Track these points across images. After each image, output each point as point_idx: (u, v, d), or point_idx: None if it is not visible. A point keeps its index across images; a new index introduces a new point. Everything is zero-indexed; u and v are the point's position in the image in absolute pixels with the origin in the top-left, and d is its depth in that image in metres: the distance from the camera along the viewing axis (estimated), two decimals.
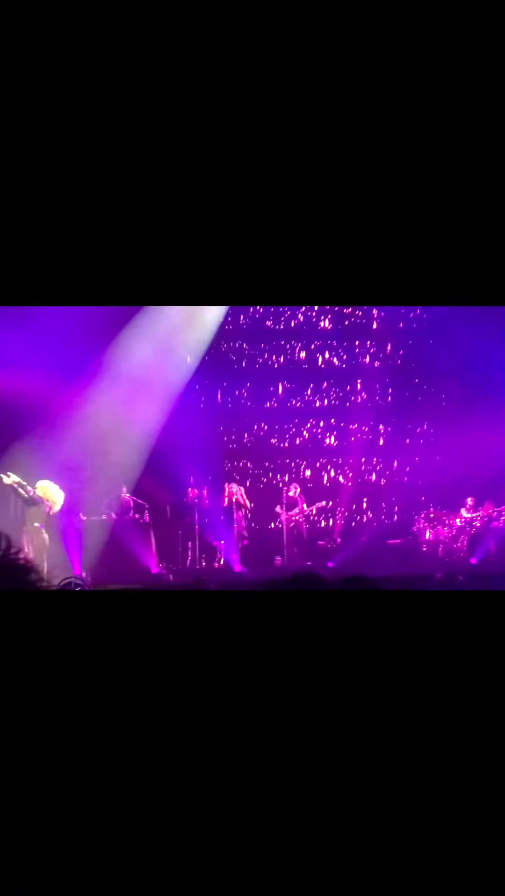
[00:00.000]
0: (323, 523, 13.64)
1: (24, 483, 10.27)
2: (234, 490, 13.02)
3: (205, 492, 13.18)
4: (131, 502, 12.45)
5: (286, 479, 13.90)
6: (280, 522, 13.13)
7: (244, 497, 13.00)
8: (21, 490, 10.27)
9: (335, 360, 14.41)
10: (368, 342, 14.38)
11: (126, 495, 12.44)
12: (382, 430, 14.34)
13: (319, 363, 14.40)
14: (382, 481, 14.26)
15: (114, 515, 12.27)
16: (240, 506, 12.91)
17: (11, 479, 10.23)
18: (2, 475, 10.25)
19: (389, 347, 14.36)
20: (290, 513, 13.08)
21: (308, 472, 14.22)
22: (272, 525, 13.47)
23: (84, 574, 9.83)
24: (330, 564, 12.19)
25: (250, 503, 13.08)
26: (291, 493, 13.22)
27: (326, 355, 14.40)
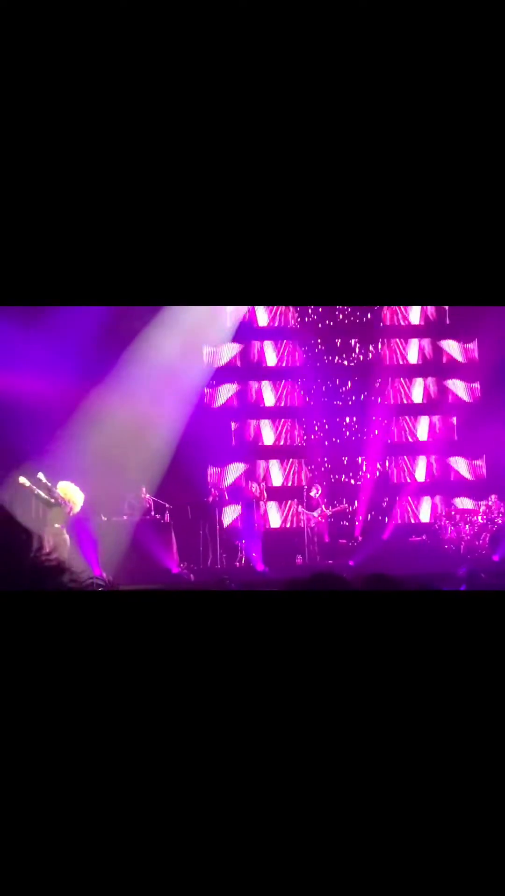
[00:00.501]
0: (344, 522, 13.60)
1: (48, 484, 10.32)
2: (255, 490, 13.03)
3: (226, 492, 13.19)
4: (152, 502, 12.47)
5: (309, 477, 13.87)
6: (302, 521, 13.12)
7: (261, 497, 13.00)
8: (40, 491, 10.31)
9: (359, 357, 14.37)
10: (389, 340, 14.34)
11: (146, 495, 12.46)
12: (404, 428, 14.29)
13: (340, 361, 14.37)
14: (405, 479, 14.21)
15: (135, 516, 12.30)
16: (259, 505, 12.91)
17: (32, 480, 10.28)
18: (20, 478, 10.31)
19: (407, 345, 14.32)
20: (311, 512, 13.06)
21: (330, 471, 14.19)
22: (294, 524, 13.46)
23: (104, 574, 9.85)
24: (351, 563, 12.16)
25: (266, 504, 13.08)
26: (312, 493, 13.20)
27: (349, 353, 14.37)
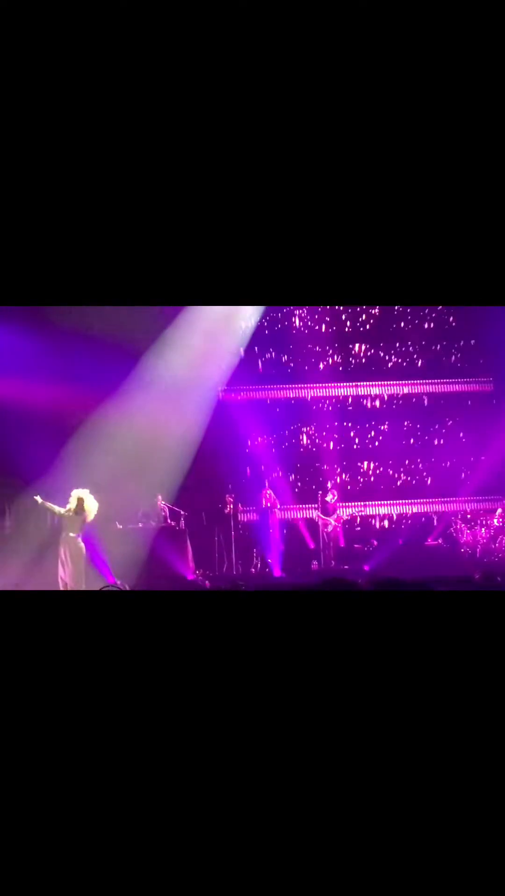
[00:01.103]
0: (360, 527, 13.57)
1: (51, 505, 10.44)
2: (270, 495, 13.02)
3: (239, 499, 13.19)
4: (167, 510, 12.47)
5: (325, 482, 13.84)
6: (317, 527, 13.09)
7: (276, 503, 12.99)
8: (54, 506, 10.39)
9: (374, 360, 14.34)
10: (407, 342, 14.30)
11: (161, 503, 12.47)
12: (419, 432, 14.24)
13: (356, 364, 14.34)
14: (420, 483, 14.16)
15: (150, 523, 12.31)
16: (274, 511, 12.90)
17: (41, 500, 10.38)
18: (35, 497, 10.39)
19: (424, 347, 14.29)
20: (326, 517, 13.04)
21: (345, 476, 14.15)
22: (309, 530, 13.43)
23: (118, 582, 9.86)
24: (366, 568, 12.13)
25: (282, 509, 13.07)
26: (328, 499, 13.17)
27: (364, 356, 14.34)
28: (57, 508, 10.40)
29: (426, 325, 14.16)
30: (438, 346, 14.27)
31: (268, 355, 14.28)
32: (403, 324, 14.28)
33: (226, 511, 12.98)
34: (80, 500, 10.36)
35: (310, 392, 14.26)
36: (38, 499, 10.40)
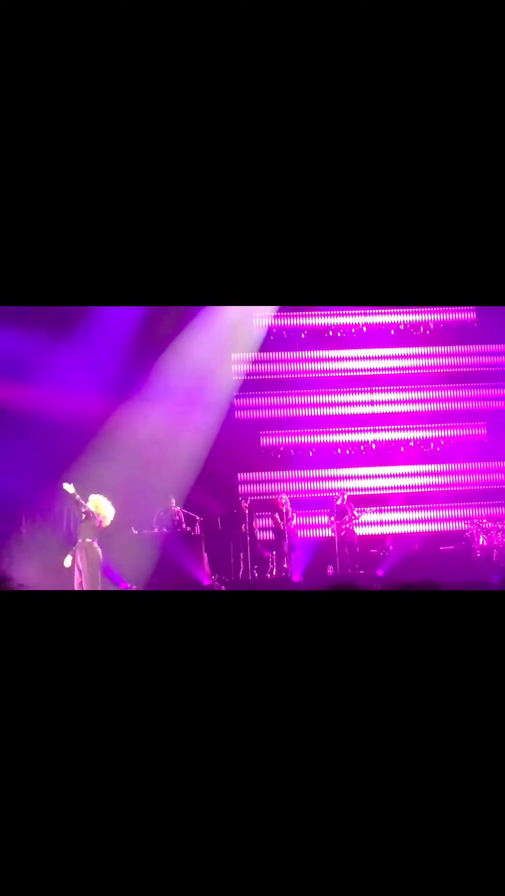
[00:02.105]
0: (374, 531, 13.55)
1: (78, 497, 10.41)
2: (284, 500, 13.02)
3: (254, 503, 13.20)
4: (182, 515, 12.50)
5: (338, 487, 13.83)
6: (332, 531, 13.07)
7: (290, 508, 12.99)
8: (79, 502, 10.40)
9: (388, 364, 14.34)
10: (420, 346, 14.29)
11: (176, 508, 12.50)
12: (433, 436, 14.22)
13: (370, 369, 14.34)
14: (434, 487, 14.13)
15: (165, 528, 12.34)
16: (288, 516, 12.90)
17: (72, 489, 10.37)
18: (65, 485, 10.39)
19: (438, 350, 14.27)
20: (340, 521, 13.03)
21: (360, 479, 14.14)
22: (324, 534, 13.42)
23: (132, 587, 9.89)
24: (379, 573, 12.11)
25: (295, 514, 13.06)
26: (339, 502, 13.16)
27: (378, 360, 14.34)
28: (82, 506, 10.39)
29: (443, 328, 14.14)
30: (456, 349, 14.25)
31: (280, 359, 14.29)
32: (422, 329, 14.25)
33: (240, 516, 12.99)
34: (96, 506, 10.39)
35: (321, 396, 14.25)
36: (70, 487, 10.37)
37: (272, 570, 12.88)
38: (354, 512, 13.08)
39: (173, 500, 12.55)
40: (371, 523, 13.55)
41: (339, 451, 14.28)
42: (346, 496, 13.27)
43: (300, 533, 13.31)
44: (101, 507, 10.38)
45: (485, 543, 12.66)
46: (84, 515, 10.37)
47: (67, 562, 10.46)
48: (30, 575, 11.23)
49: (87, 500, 10.35)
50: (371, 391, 14.29)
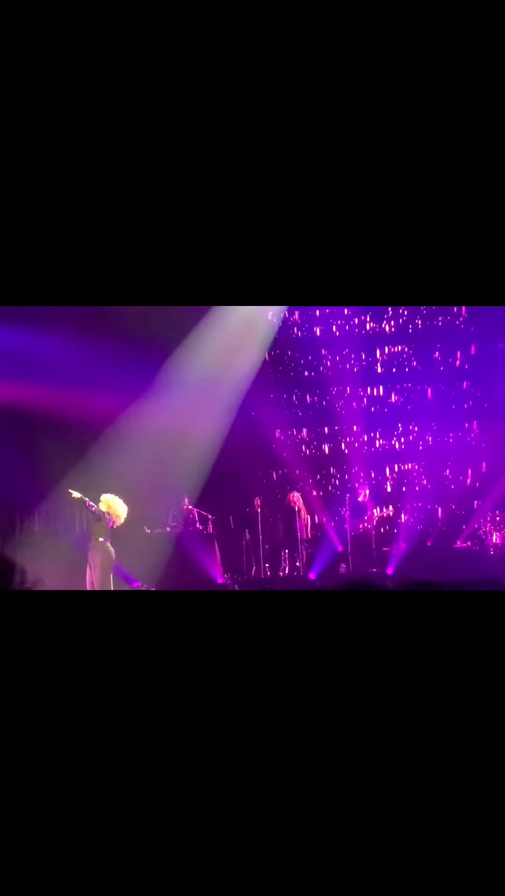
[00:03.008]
0: (388, 529, 13.52)
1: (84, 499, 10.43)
2: (297, 498, 13.01)
3: (267, 501, 13.19)
4: (195, 513, 12.51)
5: (354, 484, 13.81)
6: (345, 529, 13.05)
7: (304, 506, 12.97)
8: (85, 506, 10.41)
9: (402, 362, 14.28)
10: (437, 344, 14.22)
11: (189, 506, 12.51)
12: (449, 432, 14.16)
13: (383, 367, 14.30)
14: (450, 485, 14.07)
15: (178, 527, 12.35)
16: (301, 514, 12.89)
17: (76, 495, 10.38)
18: (70, 490, 10.41)
19: (454, 349, 14.20)
20: (357, 519, 13.01)
21: (374, 477, 14.11)
22: (337, 532, 13.39)
23: (142, 585, 9.90)
24: (389, 571, 12.10)
25: (309, 513, 13.05)
26: (359, 499, 13.13)
27: (392, 358, 14.30)
28: (92, 508, 10.40)
29: (462, 326, 14.07)
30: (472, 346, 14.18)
31: (294, 356, 14.27)
32: (440, 321, 14.17)
33: (253, 514, 12.99)
34: (108, 505, 10.40)
35: (338, 392, 14.21)
36: (74, 493, 10.40)
37: (285, 568, 12.88)
38: (375, 511, 13.05)
39: (186, 500, 12.56)
40: (385, 521, 13.51)
41: (356, 447, 14.24)
42: (366, 493, 13.24)
43: (313, 531, 13.29)
44: (114, 506, 10.39)
45: (498, 541, 12.61)
46: (95, 516, 10.39)
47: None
48: (42, 573, 11.26)
49: (97, 501, 10.36)
50: (387, 387, 14.24)
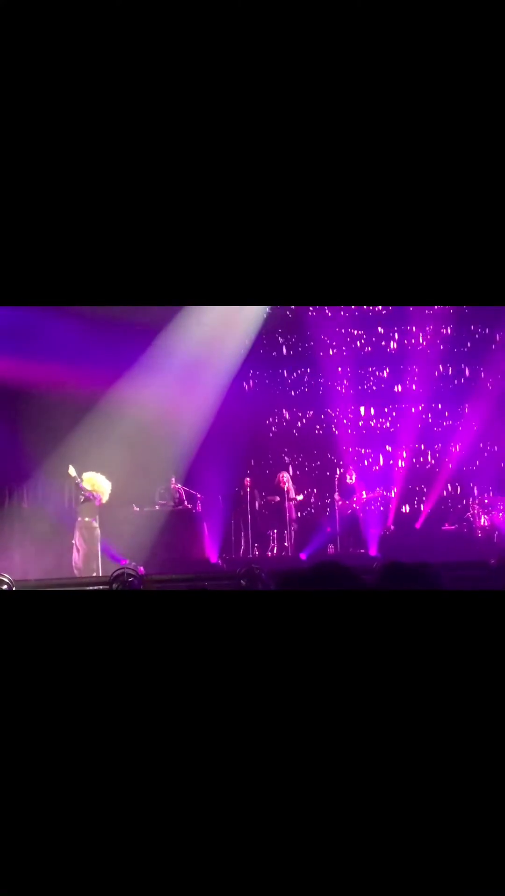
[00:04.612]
0: (376, 510, 13.52)
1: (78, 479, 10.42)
2: (286, 478, 13.00)
3: (256, 480, 13.18)
4: (182, 492, 12.49)
5: (342, 464, 13.80)
6: (334, 510, 13.05)
7: (292, 487, 12.97)
8: (79, 485, 10.42)
9: (391, 343, 14.25)
10: (424, 326, 14.19)
11: (176, 485, 12.48)
12: (436, 415, 14.15)
13: (371, 348, 14.26)
14: (437, 467, 14.07)
15: (166, 506, 12.33)
16: (290, 494, 12.88)
17: (73, 472, 10.39)
18: (70, 467, 10.40)
19: (441, 330, 14.16)
20: (346, 500, 13.00)
21: (362, 459, 14.10)
22: (326, 513, 13.40)
23: (130, 562, 9.89)
24: (373, 552, 12.11)
25: (298, 493, 13.04)
26: (348, 480, 13.13)
27: (380, 339, 14.26)
28: (80, 488, 10.38)
29: (451, 311, 14.03)
30: (459, 329, 14.15)
31: (284, 337, 14.22)
32: (428, 311, 14.13)
33: (242, 494, 12.98)
34: (91, 483, 10.40)
35: (327, 373, 14.18)
36: (72, 470, 10.39)
37: (273, 548, 12.88)
38: (364, 493, 13.06)
39: (174, 478, 12.53)
40: (377, 502, 13.51)
41: (342, 429, 14.23)
42: (354, 475, 13.24)
43: (302, 511, 13.29)
44: (97, 484, 10.39)
45: (486, 524, 12.63)
46: (83, 497, 10.39)
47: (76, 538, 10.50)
48: (28, 551, 11.26)
49: (80, 479, 10.36)
50: (378, 369, 14.21)
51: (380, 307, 13.92)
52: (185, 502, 12.46)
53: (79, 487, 10.42)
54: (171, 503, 12.39)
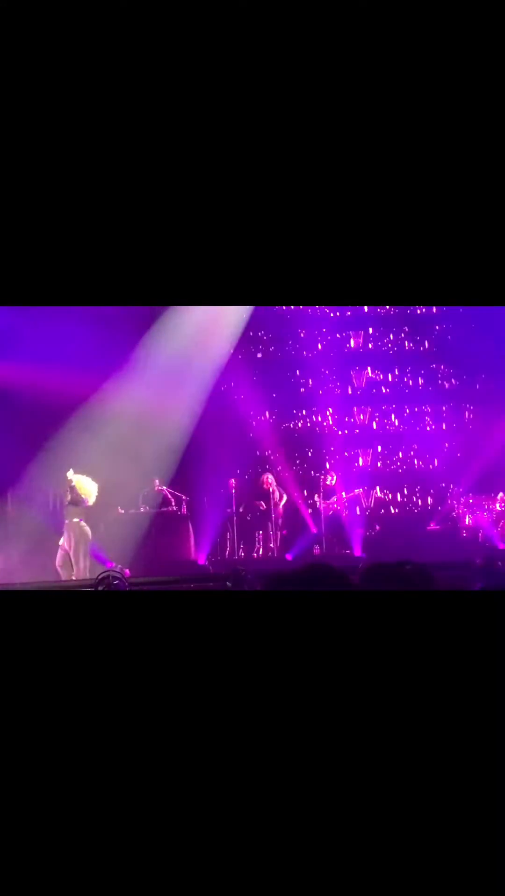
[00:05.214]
0: (361, 511, 13.54)
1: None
2: (270, 480, 13.00)
3: (241, 482, 13.18)
4: (167, 494, 12.47)
5: (325, 466, 13.82)
6: (319, 511, 13.06)
7: (277, 488, 12.97)
8: (69, 491, 10.42)
9: (370, 345, 14.27)
10: (404, 327, 14.23)
11: (160, 487, 12.45)
12: (421, 416, 14.18)
13: (353, 348, 14.27)
14: (421, 467, 14.10)
15: (150, 508, 12.31)
16: (275, 496, 12.89)
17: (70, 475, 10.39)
18: (70, 471, 10.39)
19: (423, 332, 14.20)
20: (328, 501, 13.02)
21: (346, 460, 14.12)
22: (311, 514, 13.41)
23: (117, 566, 9.89)
24: (358, 552, 12.13)
25: (284, 494, 13.05)
26: (328, 482, 13.15)
27: (362, 341, 14.27)
28: (76, 493, 10.37)
29: (434, 310, 14.07)
30: (444, 328, 14.18)
31: (269, 336, 14.22)
32: (409, 311, 14.16)
33: (227, 496, 12.97)
34: (75, 485, 10.38)
35: (313, 374, 14.19)
36: (71, 473, 10.38)
37: (259, 549, 12.89)
38: (343, 494, 13.08)
39: (157, 480, 12.50)
40: (359, 503, 13.52)
41: (326, 430, 14.24)
42: (335, 476, 13.26)
43: (287, 512, 13.29)
44: (83, 486, 10.37)
45: (471, 523, 12.67)
46: (69, 497, 10.37)
47: (63, 541, 10.49)
48: (15, 553, 11.22)
49: (66, 481, 10.35)
50: (362, 370, 14.23)
51: (365, 307, 13.94)
52: (170, 504, 12.44)
53: (73, 491, 10.41)
54: (156, 505, 12.37)
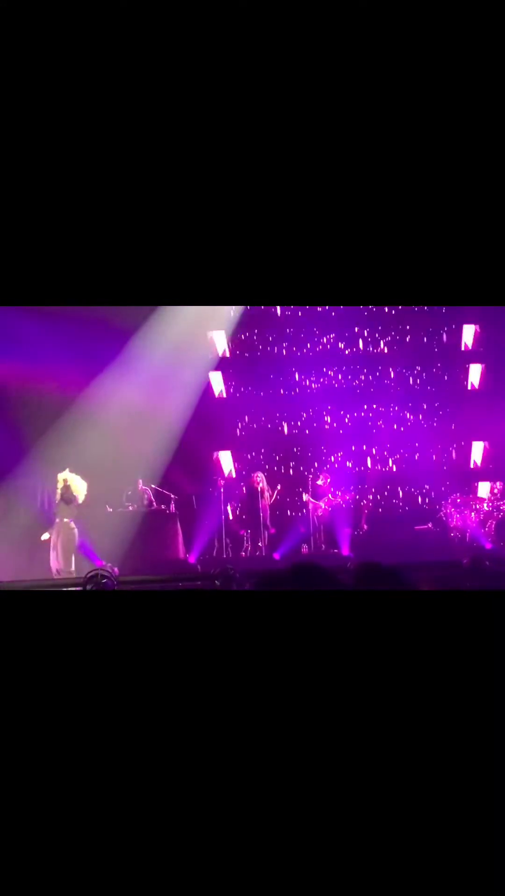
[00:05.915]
0: (349, 510, 13.58)
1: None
2: (259, 479, 13.02)
3: (230, 481, 13.18)
4: (151, 493, 12.47)
5: (315, 466, 13.83)
6: (307, 511, 13.09)
7: (266, 487, 12.99)
8: (60, 491, 10.41)
9: (358, 345, 14.30)
10: (390, 327, 14.26)
11: (144, 487, 12.45)
12: (408, 416, 14.21)
13: (342, 348, 14.30)
14: (410, 467, 14.15)
15: (138, 507, 12.31)
16: (264, 495, 12.90)
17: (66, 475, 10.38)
18: (66, 470, 10.38)
19: (410, 332, 14.25)
20: (317, 501, 13.05)
21: (334, 460, 14.15)
22: (300, 513, 13.43)
23: (106, 564, 9.89)
24: (346, 552, 12.15)
25: (273, 493, 13.07)
26: (319, 482, 13.17)
27: (350, 341, 14.30)
28: (68, 492, 10.37)
29: (417, 310, 14.11)
30: (428, 330, 14.23)
31: (259, 336, 14.24)
32: (394, 312, 14.21)
33: (217, 494, 12.98)
34: (66, 484, 10.38)
35: (300, 375, 14.21)
36: (66, 473, 10.38)
37: (247, 548, 12.90)
38: (331, 495, 13.10)
39: (140, 480, 12.50)
40: (348, 503, 13.56)
41: (315, 430, 14.26)
42: (326, 477, 13.28)
43: (276, 511, 13.32)
44: (73, 484, 10.37)
45: (458, 524, 12.72)
46: (60, 496, 10.38)
47: (45, 536, 10.48)
48: (3, 552, 11.21)
49: (56, 479, 10.35)
50: (351, 370, 14.25)
51: (357, 307, 13.97)
52: (154, 503, 12.44)
53: (65, 489, 10.41)
54: (140, 505, 12.38)
